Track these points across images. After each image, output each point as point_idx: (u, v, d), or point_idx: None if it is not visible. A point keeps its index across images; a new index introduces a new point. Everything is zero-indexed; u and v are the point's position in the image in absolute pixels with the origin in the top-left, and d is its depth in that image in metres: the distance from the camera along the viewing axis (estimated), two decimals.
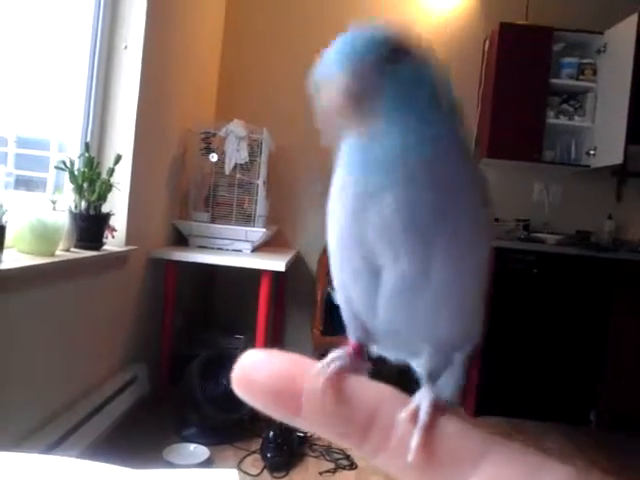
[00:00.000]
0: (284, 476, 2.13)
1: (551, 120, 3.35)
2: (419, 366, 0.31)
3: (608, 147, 3.19)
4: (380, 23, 0.29)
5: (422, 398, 0.25)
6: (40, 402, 1.76)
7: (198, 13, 3.05)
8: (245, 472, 2.12)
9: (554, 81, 3.33)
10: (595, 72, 3.36)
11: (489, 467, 0.22)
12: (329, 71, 0.27)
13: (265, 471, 2.14)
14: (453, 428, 0.23)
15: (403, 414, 0.24)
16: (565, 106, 3.42)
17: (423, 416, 0.24)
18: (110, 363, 2.30)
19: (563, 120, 3.39)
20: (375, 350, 0.32)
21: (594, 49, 3.37)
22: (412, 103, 0.27)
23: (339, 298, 0.31)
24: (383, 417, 0.24)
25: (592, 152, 3.32)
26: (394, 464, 0.23)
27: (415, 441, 0.23)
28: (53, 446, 1.71)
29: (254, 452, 2.24)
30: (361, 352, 0.31)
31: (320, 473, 2.15)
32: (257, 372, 0.25)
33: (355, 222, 0.28)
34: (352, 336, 0.31)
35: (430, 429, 0.23)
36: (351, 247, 0.28)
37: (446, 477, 0.22)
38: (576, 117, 3.41)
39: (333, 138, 0.28)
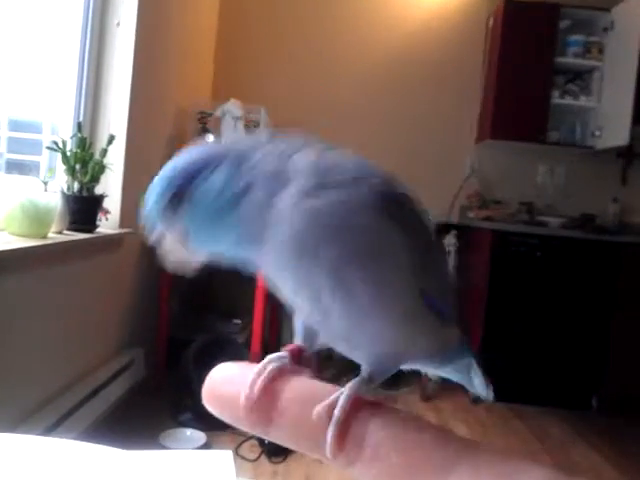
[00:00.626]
0: (282, 461, 2.11)
1: (556, 100, 3.28)
2: (363, 370, 0.31)
3: (614, 128, 3.13)
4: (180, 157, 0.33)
5: (341, 394, 0.25)
6: (36, 386, 1.75)
7: None
8: (243, 457, 2.10)
9: (560, 60, 3.26)
10: (602, 51, 3.28)
11: (462, 473, 0.22)
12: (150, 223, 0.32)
13: (263, 456, 2.13)
14: (424, 434, 0.23)
15: (318, 408, 0.24)
16: (570, 86, 3.35)
17: (337, 411, 0.24)
18: (106, 347, 2.27)
19: (568, 100, 3.32)
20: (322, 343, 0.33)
21: (601, 27, 3.29)
22: (212, 221, 0.31)
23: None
24: (355, 426, 0.24)
25: (597, 133, 3.26)
26: (370, 472, 0.23)
27: (330, 435, 0.24)
28: (50, 429, 1.70)
29: (251, 437, 2.22)
30: (299, 355, 0.31)
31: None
32: (225, 387, 0.26)
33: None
34: (298, 335, 0.33)
35: (348, 423, 0.24)
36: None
37: None
38: (582, 97, 3.34)
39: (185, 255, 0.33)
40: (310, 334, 0.32)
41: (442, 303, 0.31)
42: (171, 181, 0.31)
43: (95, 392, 2.03)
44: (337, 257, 0.27)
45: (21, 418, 1.63)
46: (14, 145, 2.15)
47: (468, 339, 0.38)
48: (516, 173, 3.54)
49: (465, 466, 0.22)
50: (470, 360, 0.40)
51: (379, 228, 0.28)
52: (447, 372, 0.41)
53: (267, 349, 3.10)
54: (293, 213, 0.27)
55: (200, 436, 2.14)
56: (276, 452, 2.13)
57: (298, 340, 0.33)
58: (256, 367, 0.27)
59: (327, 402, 0.25)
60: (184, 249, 0.32)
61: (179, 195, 0.31)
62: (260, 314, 2.50)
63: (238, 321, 3.00)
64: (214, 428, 2.23)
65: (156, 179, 0.32)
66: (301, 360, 0.31)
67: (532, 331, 3.01)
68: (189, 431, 2.18)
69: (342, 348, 0.31)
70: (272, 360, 0.28)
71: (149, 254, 2.59)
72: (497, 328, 2.98)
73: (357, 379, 0.28)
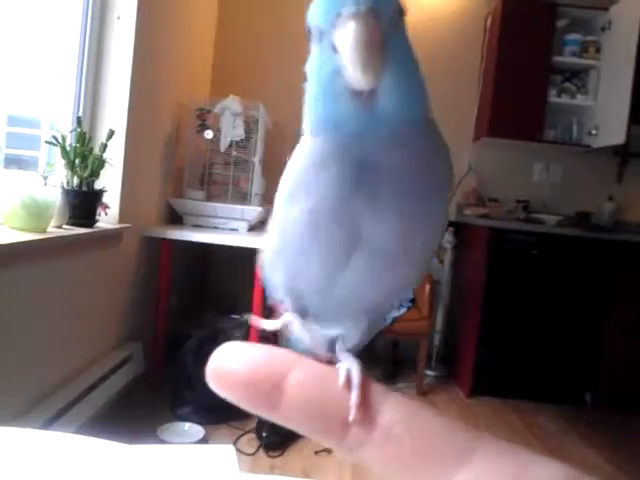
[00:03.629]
0: (279, 455, 2.13)
1: (553, 99, 3.29)
2: (344, 338, 0.31)
3: (610, 127, 3.15)
4: None
5: (350, 364, 0.25)
6: (35, 379, 1.75)
7: None
8: (240, 451, 2.11)
9: (557, 59, 3.27)
10: (599, 50, 3.30)
11: (477, 463, 0.21)
12: (351, 5, 0.24)
13: (260, 450, 2.14)
14: (437, 421, 0.23)
15: (340, 381, 0.24)
16: (567, 84, 3.36)
17: (356, 379, 0.24)
18: (105, 341, 2.28)
19: (565, 99, 3.34)
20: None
21: (598, 26, 3.30)
22: (408, 70, 0.27)
23: (277, 275, 0.32)
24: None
25: (594, 132, 3.28)
26: (379, 455, 0.22)
27: (354, 399, 0.23)
28: (49, 422, 1.71)
29: (249, 431, 2.23)
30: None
31: (316, 452, 2.14)
32: (233, 364, 0.25)
33: (343, 192, 0.26)
34: (285, 298, 0.32)
35: (364, 397, 0.23)
36: (332, 222, 0.27)
37: (434, 472, 0.21)
38: (578, 96, 3.36)
39: (375, 72, 0.24)
40: (299, 311, 0.31)
41: None
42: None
43: (94, 386, 2.04)
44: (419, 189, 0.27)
45: (19, 412, 1.64)
46: (12, 140, 2.15)
47: None
48: (513, 171, 3.56)
49: (481, 456, 0.21)
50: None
51: (445, 167, 0.29)
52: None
53: (265, 344, 3.11)
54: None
55: (198, 430, 2.15)
56: (274, 446, 2.14)
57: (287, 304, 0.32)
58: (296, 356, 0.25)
59: (344, 372, 0.24)
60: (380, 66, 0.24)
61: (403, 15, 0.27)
62: (258, 309, 2.50)
63: (236, 316, 3.01)
64: (212, 422, 2.25)
65: None
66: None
67: (528, 327, 3.03)
68: (187, 425, 2.18)
69: (333, 319, 0.31)
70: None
71: (148, 249, 2.60)
72: (493, 324, 3.00)
73: (348, 354, 0.28)
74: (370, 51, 0.23)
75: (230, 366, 0.25)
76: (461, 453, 0.21)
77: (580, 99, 3.36)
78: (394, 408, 0.23)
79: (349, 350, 0.30)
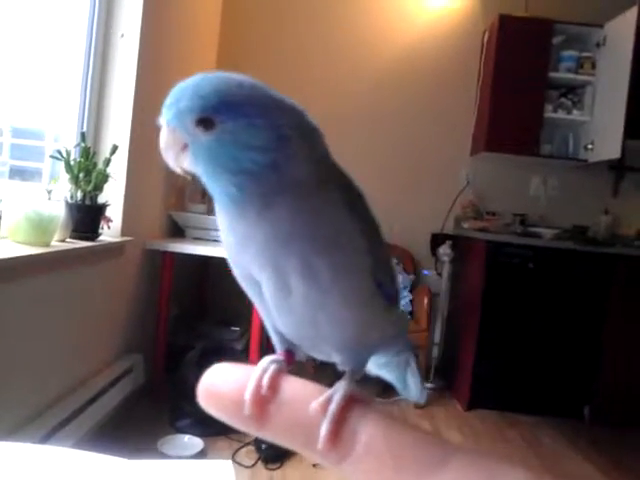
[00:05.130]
0: (278, 468, 2.14)
1: (549, 114, 3.34)
2: (340, 364, 0.33)
3: (606, 141, 3.19)
4: (222, 77, 0.31)
5: (336, 390, 0.27)
6: (35, 392, 1.76)
7: (195, 1, 3.02)
8: (239, 464, 2.12)
9: (553, 74, 3.32)
10: (594, 66, 3.35)
11: (450, 473, 0.22)
12: (165, 115, 0.31)
13: (259, 463, 2.15)
14: (413, 435, 0.24)
15: (314, 404, 0.25)
16: (564, 100, 3.41)
17: (333, 407, 0.25)
18: (106, 353, 2.30)
19: (561, 114, 3.38)
20: (304, 352, 0.35)
21: (594, 42, 3.36)
22: (217, 166, 0.30)
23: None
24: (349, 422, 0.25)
25: (590, 146, 3.32)
26: (361, 469, 0.24)
27: (324, 430, 0.24)
28: (48, 436, 1.71)
29: (248, 444, 2.25)
30: (292, 358, 0.34)
31: (314, 465, 2.15)
32: (222, 386, 0.27)
33: (237, 253, 0.32)
34: (278, 346, 0.35)
35: (341, 419, 0.25)
36: (238, 271, 0.33)
37: None
38: (574, 111, 3.41)
39: (173, 164, 0.33)
40: (286, 341, 0.34)
41: (389, 285, 0.34)
42: (221, 97, 0.30)
43: (94, 398, 2.05)
44: (308, 247, 0.29)
45: (19, 425, 1.64)
46: (16, 152, 2.18)
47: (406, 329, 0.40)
48: (510, 185, 3.60)
49: (453, 466, 0.22)
50: (408, 356, 0.41)
51: (341, 218, 0.31)
52: (389, 370, 0.42)
53: (265, 356, 3.12)
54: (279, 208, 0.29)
55: (197, 442, 2.17)
56: (273, 459, 2.15)
57: (279, 348, 0.34)
58: (258, 366, 0.29)
59: (323, 398, 0.26)
60: (183, 161, 0.31)
61: (213, 118, 0.29)
62: (258, 322, 2.52)
63: (236, 328, 3.03)
64: (211, 434, 2.26)
65: (201, 80, 0.30)
66: (293, 363, 0.33)
67: (525, 340, 3.05)
68: (187, 437, 2.20)
69: (314, 343, 0.33)
70: (270, 361, 0.30)
71: (149, 261, 2.62)
72: (490, 337, 3.02)
73: (345, 376, 0.31)
74: (165, 147, 0.32)
75: (219, 387, 0.27)
76: (435, 465, 0.23)
77: (576, 114, 3.40)
78: (374, 424, 0.25)
79: (353, 372, 0.32)
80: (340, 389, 0.27)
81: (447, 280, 3.33)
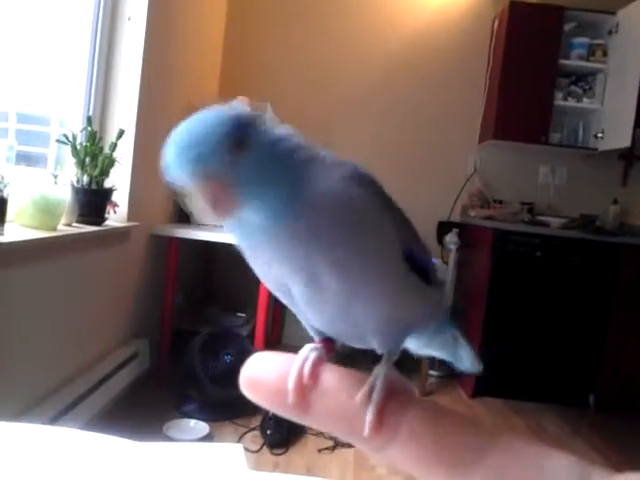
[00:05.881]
0: (283, 453, 2.15)
1: (559, 102, 3.30)
2: (378, 348, 0.33)
3: (616, 130, 3.16)
4: (220, 108, 0.30)
5: (376, 377, 0.27)
6: (42, 375, 1.78)
7: None
8: (245, 448, 2.12)
9: (563, 62, 3.28)
10: (606, 53, 3.30)
11: (494, 459, 0.22)
12: (180, 175, 0.28)
13: (265, 447, 2.16)
14: (456, 421, 0.24)
15: (358, 397, 0.26)
16: (574, 88, 3.37)
17: (375, 395, 0.26)
18: (112, 338, 2.31)
19: (571, 102, 3.34)
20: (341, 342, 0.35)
21: (605, 29, 3.31)
22: (265, 180, 0.28)
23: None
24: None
25: (600, 135, 3.28)
26: (404, 454, 0.24)
27: (369, 417, 0.25)
28: (56, 418, 1.73)
29: (254, 429, 2.26)
30: (331, 346, 0.33)
31: (319, 450, 2.16)
32: (264, 374, 0.27)
33: (265, 271, 0.31)
34: (316, 337, 0.34)
35: (384, 406, 0.25)
36: (269, 282, 0.32)
37: (454, 469, 0.23)
38: (585, 99, 3.37)
39: (223, 214, 0.29)
40: (322, 333, 0.34)
41: (423, 261, 0.33)
42: (236, 121, 0.29)
43: (101, 382, 2.06)
44: (336, 240, 0.28)
45: (27, 407, 1.66)
46: (21, 137, 2.18)
47: (450, 309, 0.39)
48: (518, 173, 3.57)
49: (498, 452, 0.22)
50: (455, 332, 0.41)
51: (367, 208, 0.30)
52: (436, 347, 0.42)
53: (270, 342, 3.13)
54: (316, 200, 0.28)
55: (203, 427, 2.18)
56: (278, 444, 2.17)
57: (316, 338, 0.34)
58: (299, 355, 0.28)
59: (366, 387, 0.26)
60: (231, 201, 0.28)
61: (243, 139, 0.28)
62: (263, 308, 2.53)
63: (242, 314, 3.03)
64: (217, 419, 2.27)
65: (210, 118, 0.29)
66: (333, 351, 0.33)
67: (531, 329, 3.04)
68: (192, 422, 2.21)
69: (349, 333, 0.33)
70: (311, 349, 0.30)
71: (155, 247, 2.62)
72: (497, 325, 3.01)
73: (382, 360, 0.31)
74: (213, 202, 0.28)
75: (261, 376, 0.27)
76: (479, 451, 0.23)
77: (586, 102, 3.36)
78: (416, 410, 0.25)
79: (390, 354, 0.32)
80: (381, 374, 0.27)
81: (453, 268, 3.32)
